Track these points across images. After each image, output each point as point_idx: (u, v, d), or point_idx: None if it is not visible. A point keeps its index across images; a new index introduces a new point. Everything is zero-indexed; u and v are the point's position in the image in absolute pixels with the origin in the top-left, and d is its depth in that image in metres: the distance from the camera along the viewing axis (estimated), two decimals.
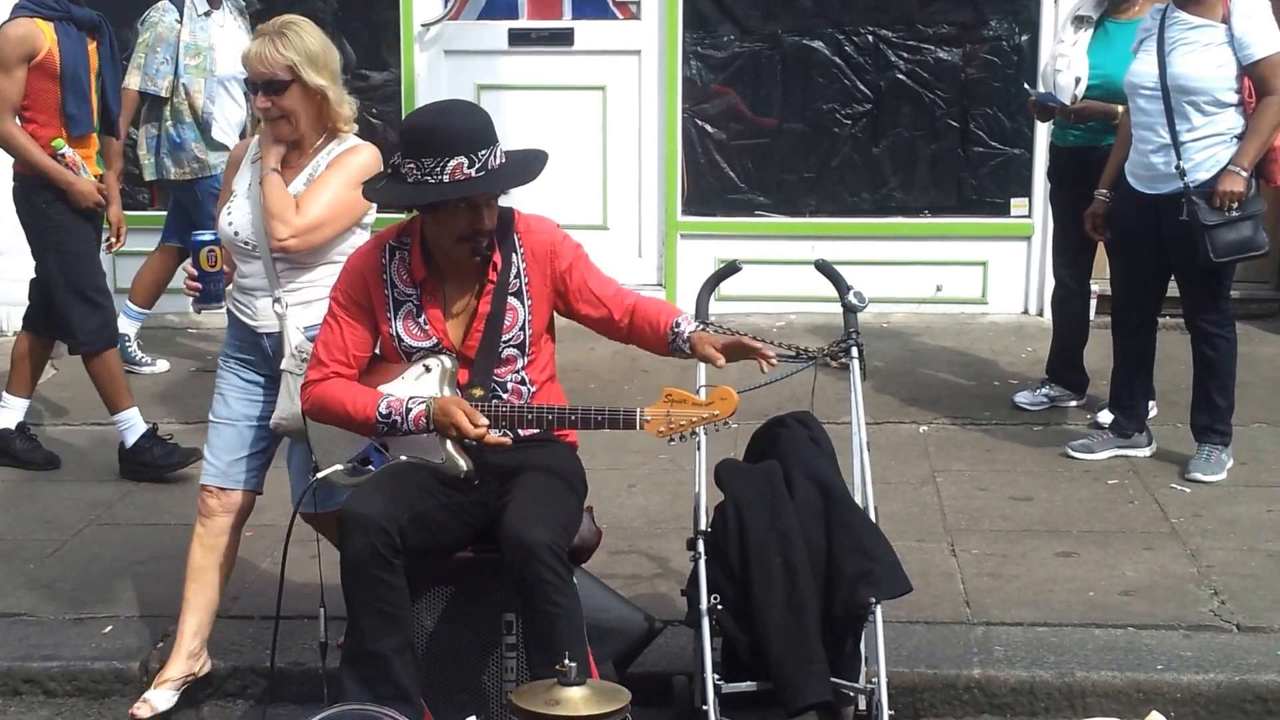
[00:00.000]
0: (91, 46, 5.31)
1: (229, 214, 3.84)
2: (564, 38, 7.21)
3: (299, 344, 3.76)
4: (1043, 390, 5.90)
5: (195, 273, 3.83)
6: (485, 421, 3.45)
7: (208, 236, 3.84)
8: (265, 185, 3.74)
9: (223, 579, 3.97)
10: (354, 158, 3.78)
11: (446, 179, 3.37)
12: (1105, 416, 5.60)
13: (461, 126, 3.43)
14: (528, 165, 3.51)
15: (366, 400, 3.52)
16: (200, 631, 3.96)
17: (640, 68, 7.23)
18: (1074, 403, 5.87)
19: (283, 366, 3.77)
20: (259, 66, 3.67)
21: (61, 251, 5.29)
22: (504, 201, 3.55)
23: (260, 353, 3.87)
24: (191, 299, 3.89)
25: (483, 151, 3.38)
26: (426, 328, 3.56)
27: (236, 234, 3.81)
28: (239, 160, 3.92)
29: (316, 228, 3.74)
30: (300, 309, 3.80)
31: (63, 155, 5.22)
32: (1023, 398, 5.92)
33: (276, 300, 3.80)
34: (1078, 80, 5.45)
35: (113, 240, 5.62)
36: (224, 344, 3.98)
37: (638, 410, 3.44)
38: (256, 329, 3.85)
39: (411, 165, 3.40)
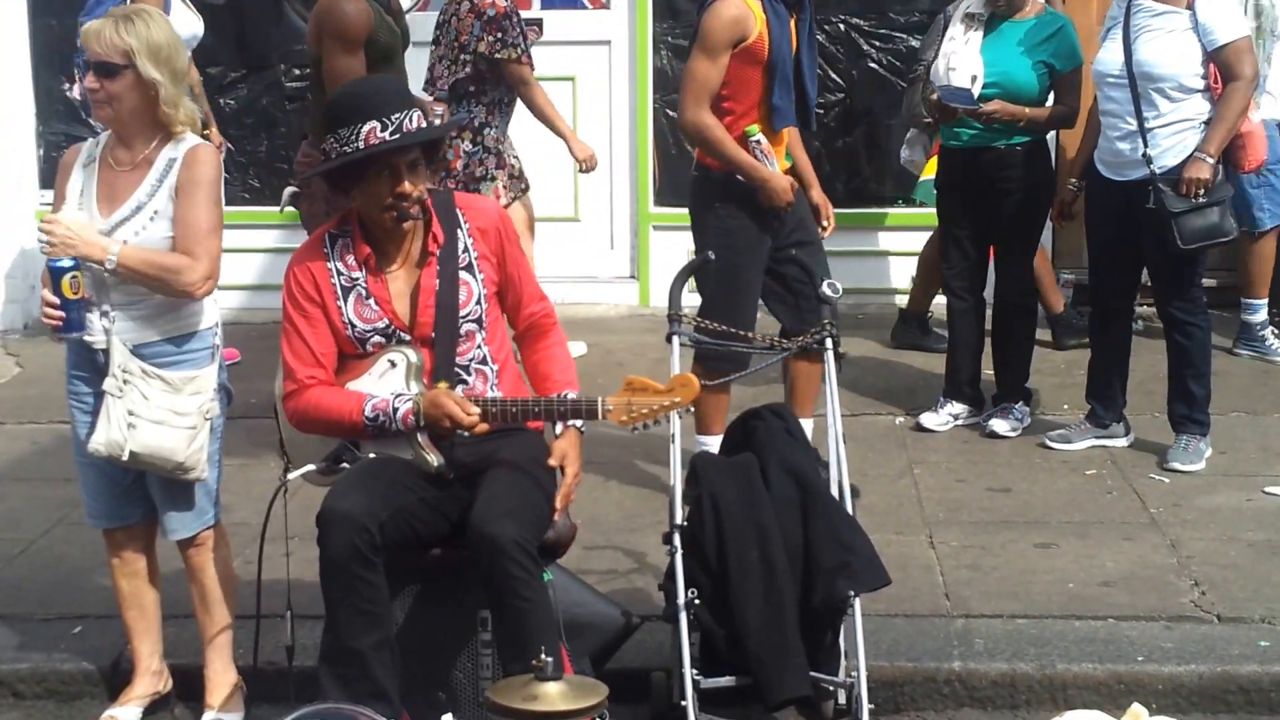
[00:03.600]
0: (790, 25, 4.75)
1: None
2: (533, 28, 7.11)
3: (124, 363, 3.57)
4: (945, 409, 5.69)
5: (57, 301, 3.52)
6: (477, 410, 3.45)
7: (68, 263, 3.51)
8: (129, 261, 3.51)
9: (157, 595, 3.91)
10: (205, 170, 3.59)
11: (361, 144, 3.41)
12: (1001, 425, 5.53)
13: (371, 92, 3.54)
14: (443, 127, 3.54)
15: (350, 405, 3.51)
16: (156, 650, 3.92)
17: (610, 58, 7.19)
18: (973, 419, 5.67)
19: (104, 387, 3.57)
20: (95, 46, 3.53)
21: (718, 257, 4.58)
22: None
23: (95, 369, 3.64)
24: (52, 328, 3.58)
25: (396, 115, 3.43)
26: (376, 309, 3.55)
27: None
28: (70, 165, 3.69)
29: (218, 255, 3.62)
30: (132, 325, 3.60)
31: (757, 143, 4.65)
32: (929, 419, 5.66)
33: (104, 314, 3.59)
34: (974, 79, 5.37)
35: (825, 225, 4.99)
36: (65, 363, 3.76)
37: (599, 399, 3.46)
38: (92, 345, 3.61)
39: (332, 140, 3.48)
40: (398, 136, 3.42)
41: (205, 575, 3.81)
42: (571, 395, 3.55)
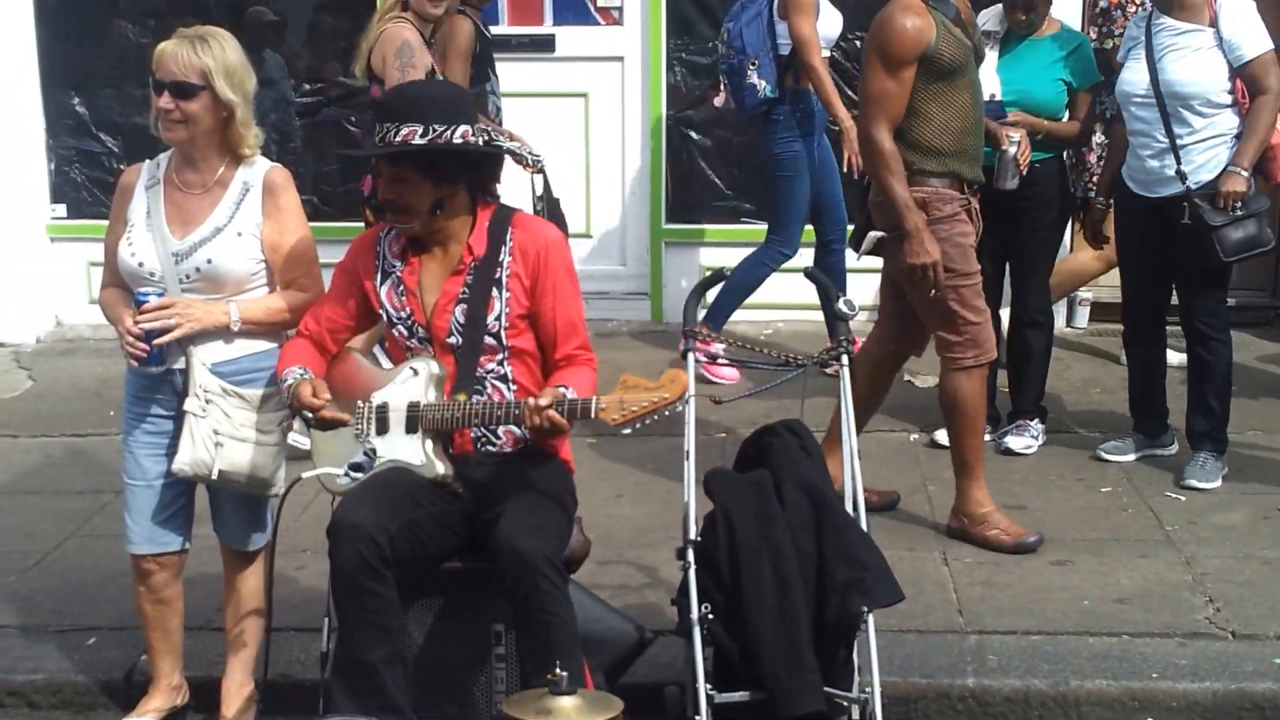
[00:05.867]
0: None
1: (129, 244, 3.64)
2: (545, 44, 7.17)
3: (204, 382, 3.61)
4: None
5: (142, 334, 3.57)
6: (327, 397, 3.54)
7: (155, 296, 3.59)
8: (252, 315, 3.63)
9: (180, 617, 3.92)
10: (290, 197, 3.70)
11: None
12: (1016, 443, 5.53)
13: (391, 97, 3.72)
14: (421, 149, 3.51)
15: (288, 362, 3.65)
16: (176, 666, 3.94)
17: (623, 74, 7.20)
18: (988, 436, 5.58)
19: (185, 407, 3.61)
20: (172, 66, 3.56)
21: None
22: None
23: (170, 390, 3.68)
24: (133, 360, 3.62)
25: (389, 124, 3.52)
26: (403, 299, 3.64)
27: (141, 265, 3.62)
28: (130, 187, 3.72)
29: (320, 273, 3.77)
30: (209, 345, 3.64)
31: None
32: (943, 436, 5.54)
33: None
34: (992, 96, 5.35)
35: None
36: (125, 390, 3.77)
37: (593, 398, 3.46)
38: (170, 367, 3.65)
39: None
40: (374, 147, 3.56)
41: (247, 586, 3.85)
42: (570, 396, 3.51)
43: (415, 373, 3.59)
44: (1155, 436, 5.47)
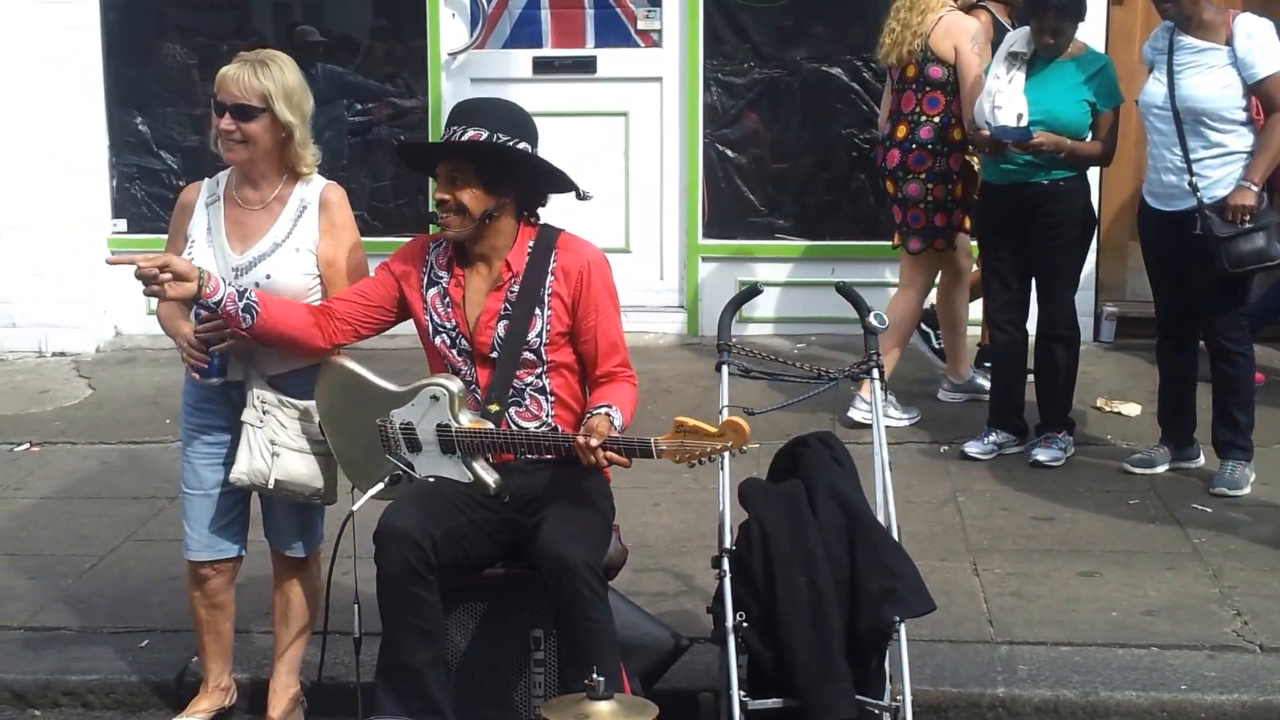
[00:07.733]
0: None
1: (191, 259, 3.71)
2: (587, 65, 7.29)
3: (261, 393, 3.72)
4: (990, 438, 5.75)
5: (201, 344, 3.68)
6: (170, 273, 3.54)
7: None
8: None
9: (232, 621, 4.02)
10: (345, 213, 3.81)
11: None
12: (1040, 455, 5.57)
13: (465, 104, 3.79)
14: (493, 147, 3.61)
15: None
16: (225, 668, 4.04)
17: (662, 94, 7.29)
18: (1016, 448, 5.73)
19: (243, 418, 3.71)
20: (233, 89, 3.67)
21: None
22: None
23: (228, 403, 3.78)
24: (193, 370, 3.73)
25: (457, 126, 3.63)
26: (448, 310, 3.72)
27: None
28: (190, 205, 3.83)
29: None
30: (266, 357, 3.73)
31: None
32: (973, 448, 5.73)
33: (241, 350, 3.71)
34: (1020, 116, 5.43)
35: None
36: (183, 401, 3.87)
37: (652, 440, 3.52)
38: (228, 381, 3.76)
39: None
40: (440, 144, 3.68)
41: (295, 591, 3.94)
42: (618, 420, 3.60)
43: (436, 400, 3.61)
44: (1182, 449, 5.52)
